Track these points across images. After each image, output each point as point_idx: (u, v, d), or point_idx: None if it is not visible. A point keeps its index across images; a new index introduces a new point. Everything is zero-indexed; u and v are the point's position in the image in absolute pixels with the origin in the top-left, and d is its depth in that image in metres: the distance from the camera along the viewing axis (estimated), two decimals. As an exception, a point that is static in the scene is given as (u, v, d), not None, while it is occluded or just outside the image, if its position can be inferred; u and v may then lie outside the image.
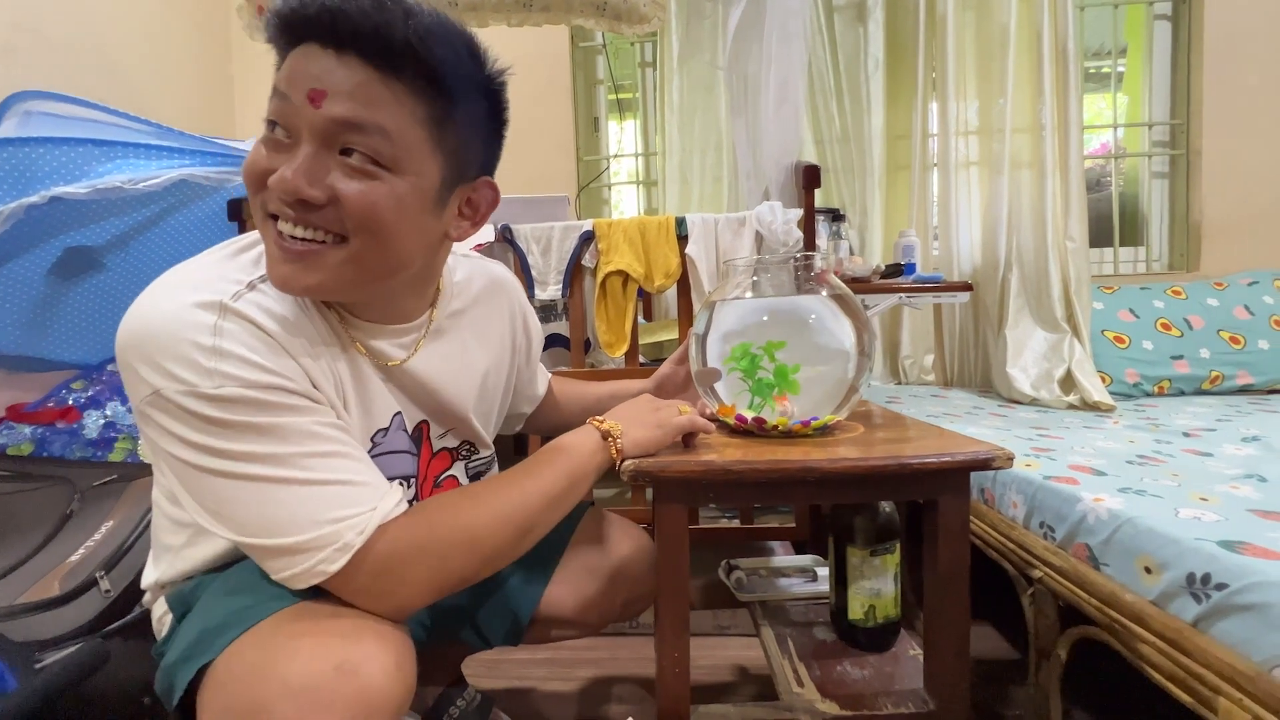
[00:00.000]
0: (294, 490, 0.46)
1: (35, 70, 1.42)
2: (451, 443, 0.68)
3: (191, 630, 0.49)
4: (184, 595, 0.56)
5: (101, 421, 1.17)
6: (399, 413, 0.61)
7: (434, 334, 0.63)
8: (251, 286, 0.50)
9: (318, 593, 0.49)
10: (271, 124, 0.48)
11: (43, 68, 1.44)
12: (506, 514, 0.54)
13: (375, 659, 0.45)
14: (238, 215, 1.26)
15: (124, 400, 1.21)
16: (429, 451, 0.65)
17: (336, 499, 0.47)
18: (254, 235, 0.55)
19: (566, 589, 0.75)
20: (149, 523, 0.92)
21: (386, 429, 0.60)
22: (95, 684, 0.74)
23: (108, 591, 0.83)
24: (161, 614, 0.58)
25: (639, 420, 0.64)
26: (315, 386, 0.51)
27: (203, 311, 0.46)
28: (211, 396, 0.45)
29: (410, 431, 0.62)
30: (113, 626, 0.80)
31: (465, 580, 0.52)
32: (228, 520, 0.47)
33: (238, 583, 0.52)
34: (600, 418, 0.64)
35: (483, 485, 0.56)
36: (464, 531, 0.51)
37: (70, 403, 1.19)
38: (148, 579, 0.60)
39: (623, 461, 0.61)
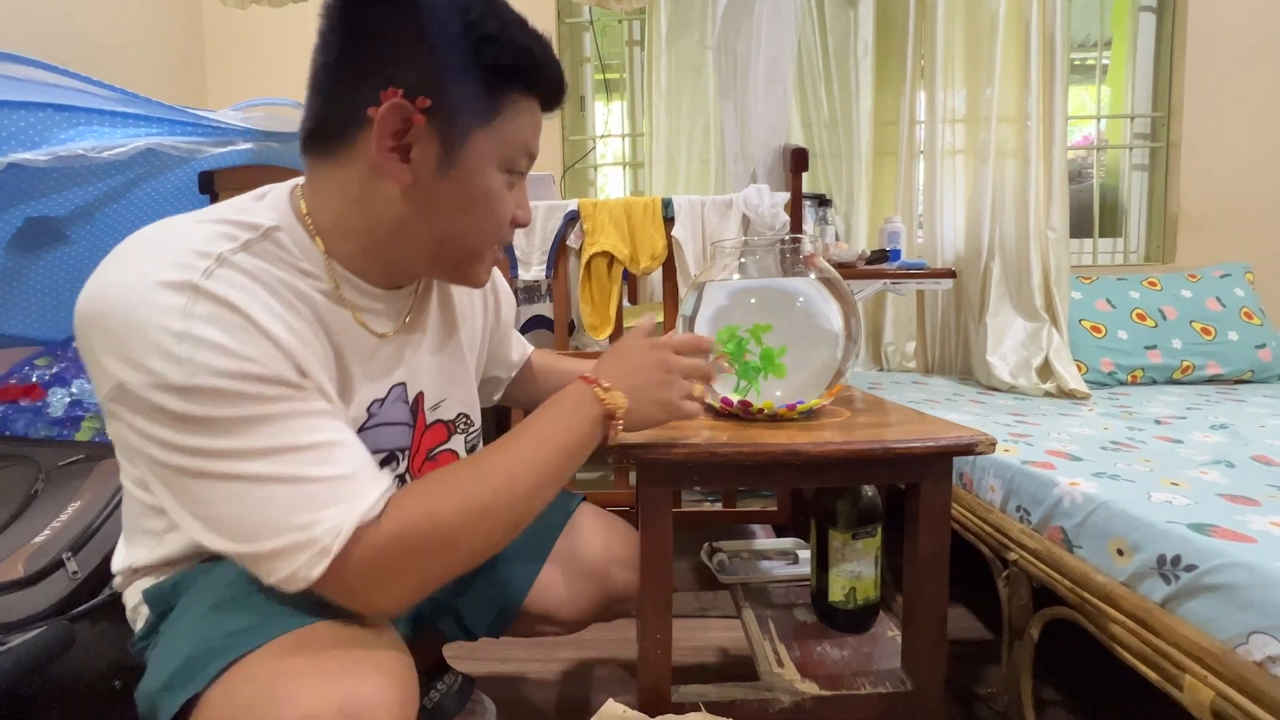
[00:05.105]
0: (270, 489, 0.43)
1: (-10, 30, 1.34)
2: (447, 414, 0.65)
3: (176, 654, 0.47)
4: (163, 593, 0.53)
5: (67, 400, 1.13)
6: (401, 384, 0.59)
7: (424, 296, 0.62)
8: (222, 260, 0.45)
9: (312, 604, 0.47)
10: (520, 174, 0.55)
11: (1, 29, 1.37)
12: (491, 512, 0.49)
13: (380, 699, 0.43)
14: (209, 188, 1.22)
15: (90, 379, 1.17)
16: (423, 423, 0.63)
17: (313, 498, 0.44)
18: (237, 199, 0.53)
19: (554, 585, 0.74)
20: (118, 503, 0.90)
21: (383, 399, 0.57)
22: (63, 667, 0.72)
23: (75, 573, 0.81)
24: (136, 604, 0.56)
25: (646, 396, 0.58)
26: (300, 366, 0.46)
27: (171, 292, 0.42)
28: (182, 388, 0.41)
29: (410, 402, 0.60)
30: (80, 609, 0.78)
31: (448, 578, 0.50)
32: (210, 524, 0.44)
33: (224, 596, 0.49)
34: (605, 385, 0.56)
35: (465, 475, 0.51)
36: (445, 535, 0.48)
37: (34, 380, 1.14)
38: (119, 563, 0.57)
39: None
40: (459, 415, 0.67)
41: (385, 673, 0.45)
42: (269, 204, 0.51)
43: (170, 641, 0.49)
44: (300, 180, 0.54)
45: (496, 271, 0.75)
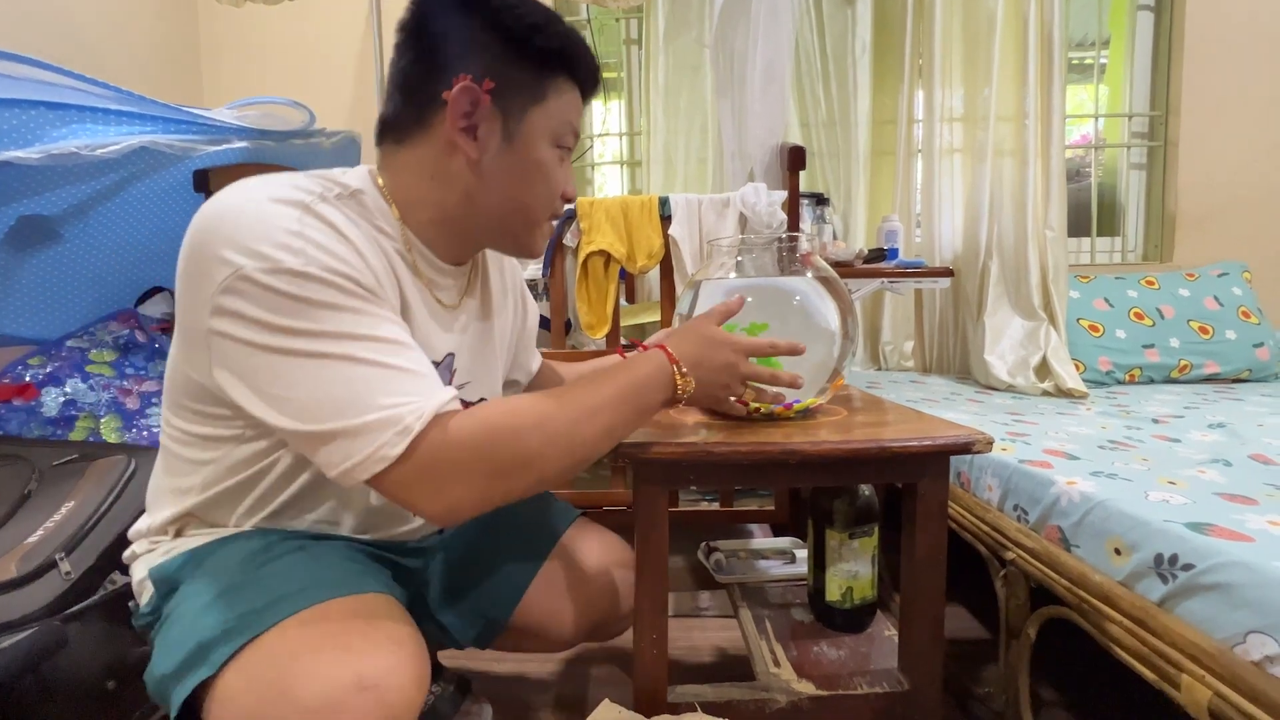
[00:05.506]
0: (360, 369, 0.46)
1: (-16, 27, 1.34)
2: (469, 396, 0.67)
3: (187, 639, 0.48)
4: (167, 574, 0.54)
5: (61, 399, 1.12)
6: (451, 354, 0.63)
7: (473, 282, 0.66)
8: (322, 198, 0.51)
9: (319, 582, 0.48)
10: (567, 150, 0.61)
11: (-8, 25, 1.36)
12: (566, 441, 0.51)
13: (395, 671, 0.44)
14: (204, 186, 1.21)
15: (85, 378, 1.17)
16: None
17: (397, 383, 0.47)
18: (319, 170, 0.57)
19: (544, 602, 0.73)
20: (113, 503, 0.90)
21: (439, 363, 0.61)
22: (56, 668, 0.72)
23: (68, 574, 0.80)
24: (142, 579, 0.57)
25: (707, 391, 0.61)
26: (383, 285, 0.52)
27: (286, 205, 0.49)
28: (296, 272, 0.46)
29: (452, 375, 0.64)
30: (73, 609, 0.77)
31: (504, 498, 0.51)
32: (290, 406, 0.46)
33: (232, 580, 0.50)
34: (684, 371, 0.58)
35: (547, 401, 0.52)
36: (518, 446, 0.49)
37: (27, 379, 1.14)
38: (138, 528, 0.60)
39: None
40: (479, 401, 0.68)
41: (399, 645, 0.46)
42: (352, 175, 0.57)
43: (179, 625, 0.50)
44: (372, 167, 0.60)
45: (525, 285, 0.79)
